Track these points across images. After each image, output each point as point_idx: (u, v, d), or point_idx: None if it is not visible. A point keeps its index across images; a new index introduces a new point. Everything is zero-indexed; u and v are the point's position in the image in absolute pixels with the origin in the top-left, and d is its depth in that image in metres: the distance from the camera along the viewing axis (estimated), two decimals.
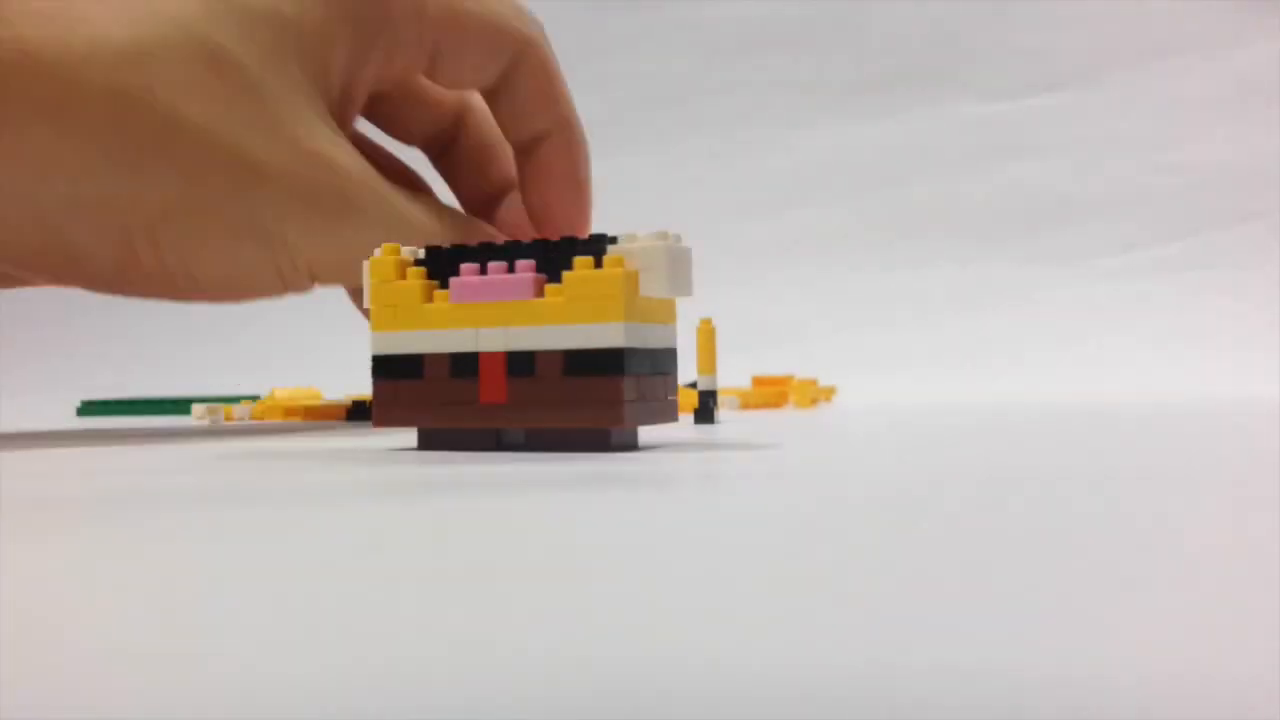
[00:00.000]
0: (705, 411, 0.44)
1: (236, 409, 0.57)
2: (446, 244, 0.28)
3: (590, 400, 0.26)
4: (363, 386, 0.67)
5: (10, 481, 0.23)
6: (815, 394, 0.63)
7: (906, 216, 0.90)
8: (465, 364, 0.27)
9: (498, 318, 0.27)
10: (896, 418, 0.43)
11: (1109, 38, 0.89)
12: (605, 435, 0.27)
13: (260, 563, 0.13)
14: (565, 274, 0.27)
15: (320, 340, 0.89)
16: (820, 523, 0.15)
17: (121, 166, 0.30)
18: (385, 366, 0.28)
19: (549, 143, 0.38)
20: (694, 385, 0.46)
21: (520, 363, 0.27)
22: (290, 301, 0.98)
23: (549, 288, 0.27)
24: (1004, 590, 0.11)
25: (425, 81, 0.38)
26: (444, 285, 0.28)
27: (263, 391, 0.65)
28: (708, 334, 0.47)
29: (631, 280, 0.26)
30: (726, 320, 0.48)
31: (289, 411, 0.56)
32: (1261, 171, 0.83)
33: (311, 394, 0.62)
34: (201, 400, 0.63)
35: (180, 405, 0.65)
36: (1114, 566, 0.12)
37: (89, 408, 0.66)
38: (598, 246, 0.27)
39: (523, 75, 0.37)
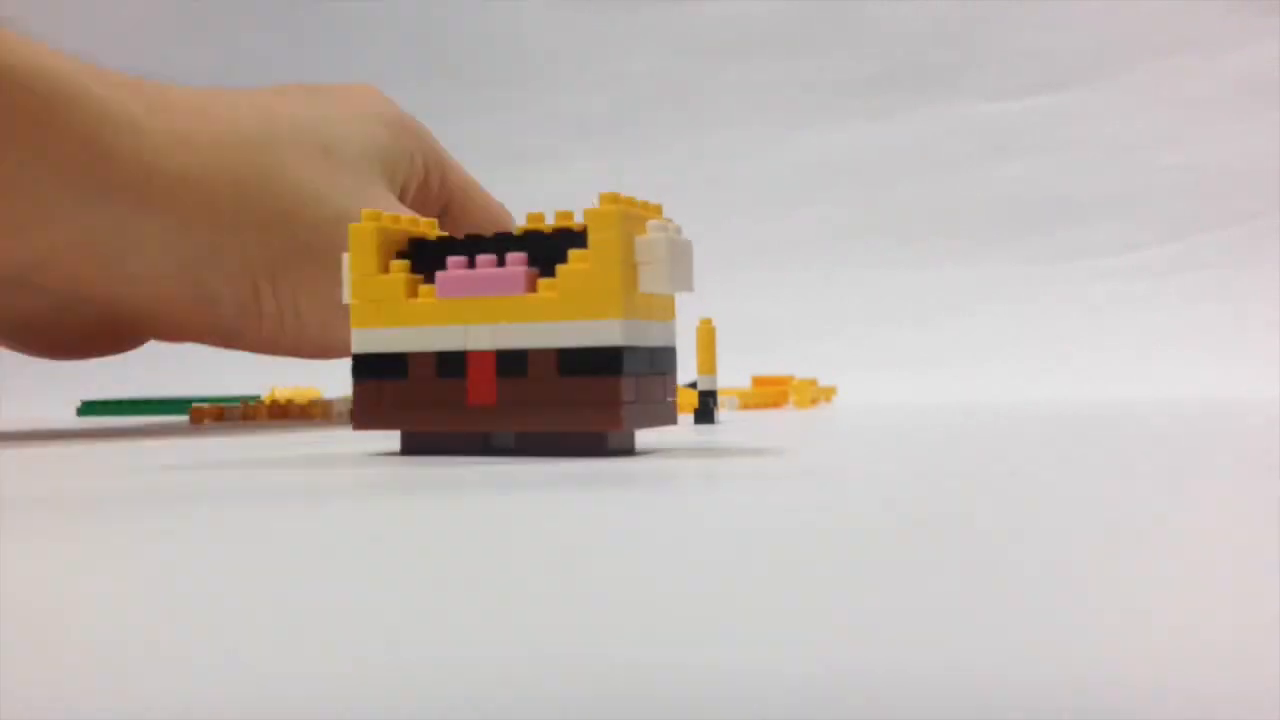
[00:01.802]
0: (705, 411, 0.44)
1: (230, 410, 0.56)
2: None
3: (586, 402, 0.25)
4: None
5: (10, 481, 0.23)
6: (815, 394, 0.63)
7: (907, 216, 0.90)
8: (453, 363, 0.26)
9: (487, 314, 0.25)
10: (896, 418, 0.43)
11: (1109, 38, 0.89)
12: (601, 439, 0.25)
13: (251, 565, 0.13)
14: (559, 267, 0.25)
15: None
16: (821, 525, 0.15)
17: (253, 224, 0.38)
18: (367, 365, 0.27)
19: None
20: (694, 385, 0.46)
21: (511, 362, 0.25)
22: None
23: (541, 282, 0.25)
24: (1005, 590, 0.11)
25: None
26: (429, 279, 0.27)
27: (263, 391, 0.65)
28: (708, 334, 0.47)
29: (630, 274, 0.25)
30: (726, 320, 0.48)
31: (276, 412, 0.55)
32: (1261, 171, 0.83)
33: (311, 394, 0.62)
34: (202, 400, 0.63)
35: (180, 405, 0.65)
36: (1114, 567, 0.12)
37: (89, 408, 0.66)
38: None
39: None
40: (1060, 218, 0.88)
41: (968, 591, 0.11)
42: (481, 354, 0.26)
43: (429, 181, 0.46)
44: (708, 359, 0.46)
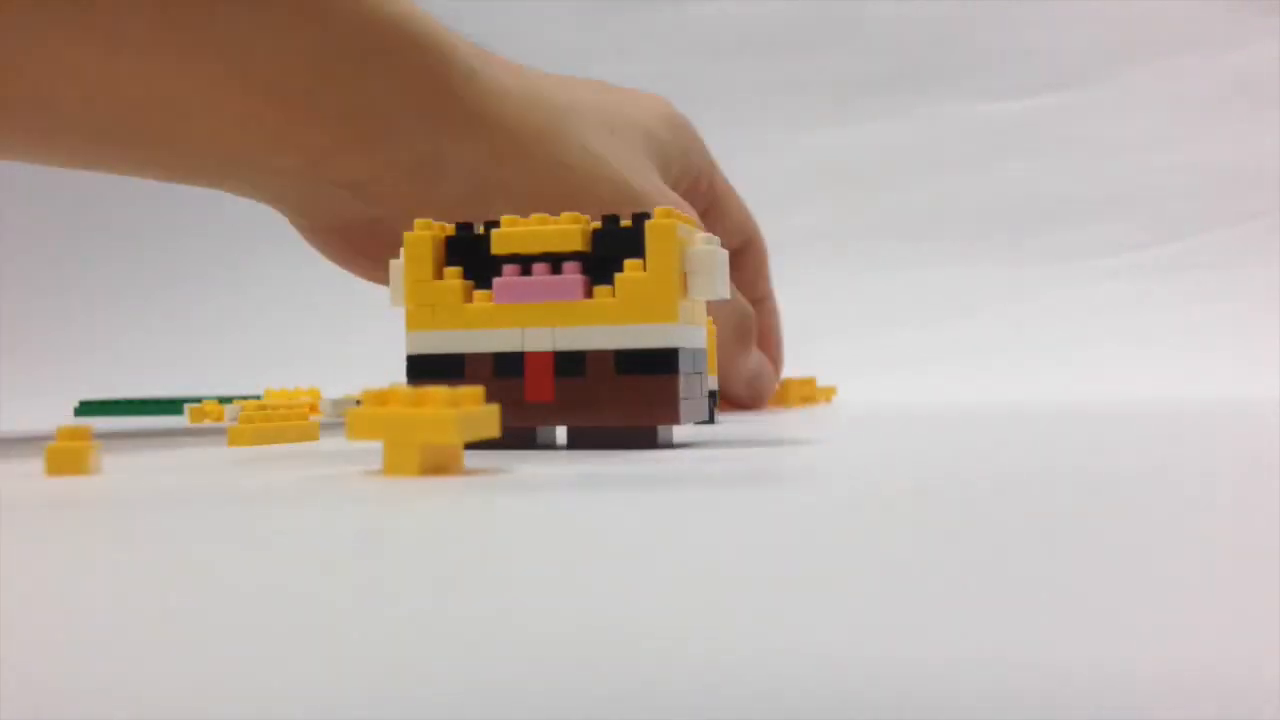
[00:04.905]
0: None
1: (227, 409, 0.56)
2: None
3: (644, 399, 0.27)
4: (360, 386, 0.67)
5: (9, 482, 0.23)
6: (814, 394, 0.63)
7: (906, 216, 0.90)
8: (510, 364, 0.28)
9: (544, 318, 0.27)
10: (897, 418, 0.43)
11: (1109, 38, 0.89)
12: (653, 433, 0.27)
13: (258, 562, 0.13)
14: (618, 276, 0.27)
15: (320, 340, 0.89)
16: (823, 524, 0.15)
17: (543, 169, 0.43)
18: (422, 366, 0.28)
19: (758, 310, 0.53)
20: None
21: (569, 362, 0.27)
22: (290, 301, 0.97)
23: (597, 289, 0.27)
24: (1008, 591, 0.11)
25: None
26: (480, 285, 0.28)
27: (262, 391, 0.65)
28: (708, 334, 0.46)
29: (681, 282, 0.27)
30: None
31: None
32: (1261, 171, 0.83)
33: (311, 394, 0.62)
34: (199, 400, 0.63)
35: (177, 405, 0.65)
36: (1114, 567, 0.12)
37: (86, 408, 0.66)
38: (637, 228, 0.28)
39: (749, 255, 0.56)
40: (1060, 218, 0.88)
41: (969, 591, 0.11)
42: (539, 355, 0.27)
43: (699, 183, 0.51)
44: (708, 359, 0.46)
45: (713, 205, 0.52)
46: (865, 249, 0.90)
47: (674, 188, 0.48)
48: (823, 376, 0.66)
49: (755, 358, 0.51)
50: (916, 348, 0.81)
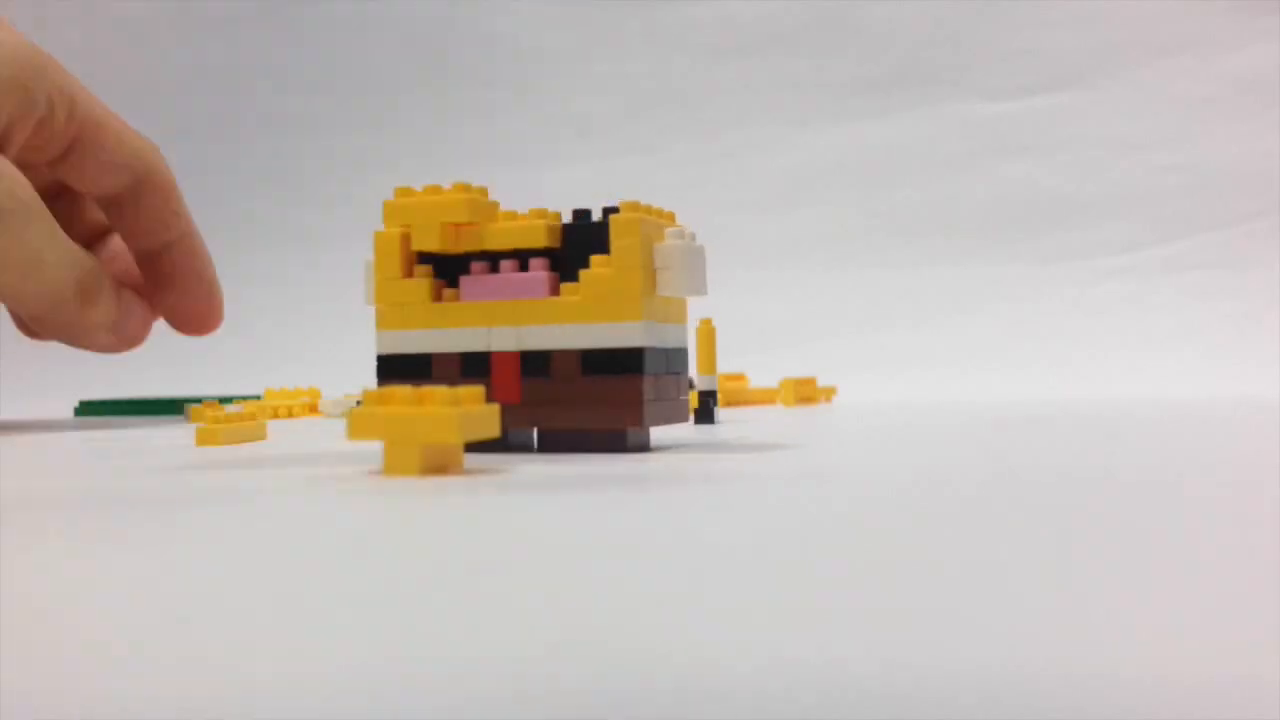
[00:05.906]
0: (705, 411, 0.44)
1: (228, 409, 0.56)
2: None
3: (609, 400, 0.26)
4: (359, 387, 0.67)
5: (8, 482, 0.23)
6: (814, 394, 0.63)
7: (906, 216, 0.90)
8: (477, 363, 0.27)
9: (511, 317, 0.27)
10: (897, 418, 0.43)
11: (1109, 38, 0.89)
12: (621, 436, 0.26)
13: (260, 562, 0.13)
14: (582, 273, 0.26)
15: (320, 340, 0.89)
16: (820, 524, 0.15)
17: None
18: (392, 366, 0.28)
19: (173, 252, 0.45)
20: (691, 385, 0.46)
21: (535, 362, 0.26)
22: (290, 301, 0.97)
23: (564, 286, 0.27)
24: (1008, 590, 0.11)
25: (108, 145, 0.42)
26: (452, 283, 0.28)
27: (262, 391, 0.65)
28: (707, 334, 0.47)
29: (649, 278, 0.26)
30: (726, 320, 0.48)
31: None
32: (1261, 171, 0.83)
33: (311, 394, 0.62)
34: (199, 400, 0.63)
35: (177, 405, 0.65)
36: (1114, 566, 0.12)
37: (86, 408, 0.66)
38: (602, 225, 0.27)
39: (146, 194, 0.43)
40: (1060, 218, 0.88)
41: (969, 591, 0.11)
42: (505, 355, 0.27)
43: (54, 117, 0.40)
44: (707, 359, 0.46)
45: (78, 143, 0.41)
46: (865, 249, 0.90)
47: (11, 129, 0.39)
48: (823, 376, 0.66)
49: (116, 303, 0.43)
50: (916, 347, 0.81)
